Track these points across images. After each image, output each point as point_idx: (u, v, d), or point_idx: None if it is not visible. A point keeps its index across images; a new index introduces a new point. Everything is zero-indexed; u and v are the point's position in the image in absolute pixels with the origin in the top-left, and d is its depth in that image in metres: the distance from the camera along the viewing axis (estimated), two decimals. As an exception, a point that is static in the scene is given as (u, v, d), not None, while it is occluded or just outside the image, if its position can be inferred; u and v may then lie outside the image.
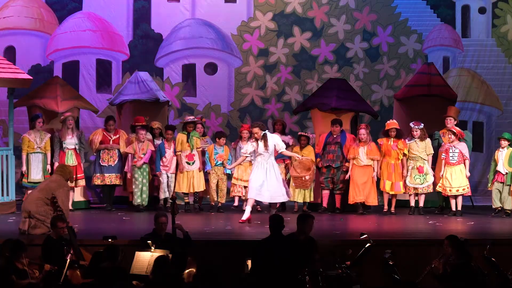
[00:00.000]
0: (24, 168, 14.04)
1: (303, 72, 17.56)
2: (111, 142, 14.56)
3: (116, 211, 14.32)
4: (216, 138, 14.59)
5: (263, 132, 12.89)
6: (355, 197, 14.03)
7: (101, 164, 14.52)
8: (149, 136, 14.77)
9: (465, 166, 13.81)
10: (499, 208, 13.73)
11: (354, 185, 14.01)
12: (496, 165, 13.73)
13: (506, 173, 13.62)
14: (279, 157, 14.28)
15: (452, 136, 13.78)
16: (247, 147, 13.15)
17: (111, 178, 14.51)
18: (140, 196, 14.23)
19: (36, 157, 14.09)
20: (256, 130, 12.93)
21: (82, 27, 17.20)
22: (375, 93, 17.56)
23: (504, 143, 13.75)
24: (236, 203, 14.50)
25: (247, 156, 13.28)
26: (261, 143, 12.86)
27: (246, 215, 12.75)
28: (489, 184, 13.88)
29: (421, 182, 13.90)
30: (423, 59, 17.52)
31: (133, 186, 14.26)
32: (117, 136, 14.62)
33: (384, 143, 14.10)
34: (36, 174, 14.03)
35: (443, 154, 13.87)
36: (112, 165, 14.52)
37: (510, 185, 13.60)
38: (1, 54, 16.09)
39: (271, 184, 12.83)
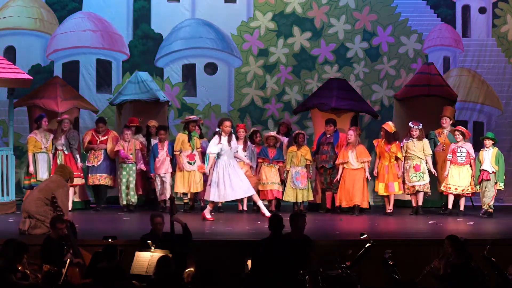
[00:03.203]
0: (31, 168, 14.03)
1: (303, 72, 17.55)
2: (98, 142, 14.56)
3: (115, 211, 14.33)
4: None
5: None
6: (342, 201, 13.99)
7: (87, 164, 14.56)
8: (142, 138, 14.74)
9: (471, 166, 13.83)
10: (489, 210, 13.72)
11: (343, 189, 13.98)
12: (480, 165, 13.74)
13: (493, 172, 13.64)
14: (275, 159, 14.30)
15: (460, 136, 13.80)
16: (212, 147, 13.07)
17: (94, 179, 14.49)
18: (126, 196, 14.24)
19: (42, 157, 14.11)
20: (230, 123, 13.07)
21: (82, 27, 17.20)
22: (375, 93, 17.55)
23: (489, 142, 13.77)
24: (242, 207, 14.44)
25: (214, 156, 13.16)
26: (225, 139, 12.96)
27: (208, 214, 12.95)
28: (478, 186, 13.86)
29: (417, 179, 13.90)
30: (423, 59, 17.51)
31: (118, 187, 14.30)
32: (106, 137, 14.60)
33: (378, 144, 14.11)
34: (43, 173, 14.04)
35: (449, 154, 13.87)
36: (96, 165, 14.51)
37: (496, 183, 13.64)
38: (1, 54, 16.09)
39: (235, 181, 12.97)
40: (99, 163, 14.50)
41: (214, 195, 13.04)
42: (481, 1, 17.78)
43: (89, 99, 15.98)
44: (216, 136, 13.08)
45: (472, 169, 13.83)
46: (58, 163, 14.06)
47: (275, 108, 17.46)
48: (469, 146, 13.88)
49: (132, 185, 14.31)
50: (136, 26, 17.42)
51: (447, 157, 13.92)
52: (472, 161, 13.84)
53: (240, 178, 13.10)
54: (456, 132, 13.87)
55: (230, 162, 13.08)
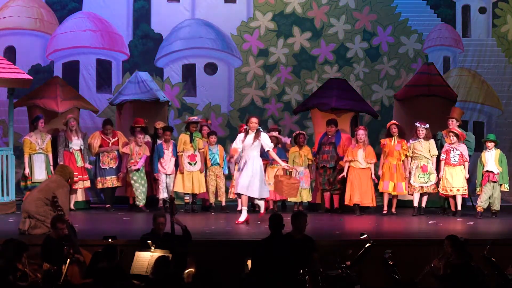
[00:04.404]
0: (27, 171, 14.02)
1: (303, 72, 17.55)
2: (110, 144, 14.56)
3: (116, 211, 14.33)
4: (208, 137, 14.57)
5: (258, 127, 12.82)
6: (351, 198, 14.02)
7: (102, 167, 14.53)
8: (148, 138, 14.75)
9: (464, 167, 13.83)
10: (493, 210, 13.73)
11: (352, 187, 13.99)
12: (483, 167, 13.73)
13: (498, 173, 13.65)
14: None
15: (454, 137, 13.80)
16: (236, 143, 12.79)
17: (113, 181, 14.53)
18: (143, 198, 14.26)
19: (38, 158, 14.09)
20: (256, 120, 12.74)
21: (82, 27, 17.20)
22: (376, 93, 17.56)
23: (491, 144, 13.78)
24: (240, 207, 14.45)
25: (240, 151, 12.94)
26: (250, 136, 12.65)
27: (244, 217, 12.70)
28: (478, 189, 13.84)
29: (425, 181, 13.91)
30: (423, 59, 17.51)
31: (134, 189, 14.27)
32: (116, 138, 14.61)
33: (387, 144, 14.10)
34: (39, 174, 14.03)
35: (443, 154, 13.88)
36: (114, 167, 14.53)
37: (502, 184, 13.66)
38: (1, 54, 16.09)
39: (256, 180, 12.62)
40: (116, 164, 14.50)
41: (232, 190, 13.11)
42: (481, 1, 17.78)
43: (89, 99, 15.98)
44: (243, 134, 12.80)
45: (465, 170, 13.82)
46: (79, 163, 14.08)
47: (275, 108, 17.46)
48: (463, 148, 13.88)
49: (145, 187, 14.31)
50: (136, 26, 17.41)
51: (441, 157, 13.92)
52: (465, 162, 13.83)
53: (250, 175, 12.59)
54: (451, 134, 13.87)
55: (247, 161, 12.65)
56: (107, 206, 14.64)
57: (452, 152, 13.82)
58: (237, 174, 13.14)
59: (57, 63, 17.15)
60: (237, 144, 12.81)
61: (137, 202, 14.32)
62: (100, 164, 14.54)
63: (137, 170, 14.24)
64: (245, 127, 12.94)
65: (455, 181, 13.77)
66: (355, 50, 17.60)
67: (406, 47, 17.67)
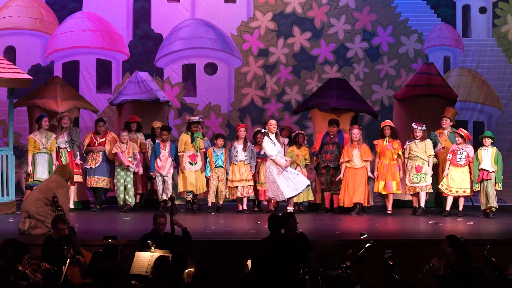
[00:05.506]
0: (30, 168, 14.00)
1: (303, 72, 17.55)
2: (96, 144, 14.52)
3: (115, 211, 14.33)
4: (215, 139, 14.57)
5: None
6: (345, 200, 14.00)
7: (85, 166, 14.53)
8: (142, 137, 14.73)
9: (470, 168, 13.80)
10: (487, 210, 13.70)
11: (346, 188, 13.99)
12: (479, 164, 13.71)
13: (493, 171, 13.63)
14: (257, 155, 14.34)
15: (460, 138, 13.79)
16: (271, 149, 13.57)
17: (92, 181, 14.45)
18: (124, 197, 14.23)
19: (42, 157, 14.04)
20: (275, 121, 13.90)
21: (82, 27, 17.21)
22: (376, 93, 17.56)
23: (488, 141, 13.74)
24: (242, 207, 14.41)
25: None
26: (276, 141, 13.61)
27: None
28: (476, 185, 13.82)
29: (418, 181, 13.89)
30: (423, 59, 17.51)
31: (115, 188, 14.28)
32: (104, 139, 14.55)
33: (379, 144, 14.11)
34: (42, 173, 13.98)
35: (449, 155, 13.86)
36: (93, 167, 14.46)
37: (496, 183, 13.64)
38: (1, 54, 16.10)
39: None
40: (97, 165, 14.45)
41: (276, 194, 13.72)
42: (481, 1, 17.78)
43: (89, 99, 15.97)
44: (266, 138, 13.61)
45: (470, 170, 13.81)
46: (63, 161, 14.06)
47: (275, 108, 17.47)
48: (469, 149, 13.86)
49: (130, 186, 14.29)
50: (136, 26, 17.42)
51: (447, 157, 13.92)
52: (471, 163, 13.82)
53: (294, 176, 13.71)
54: (456, 135, 13.86)
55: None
56: (93, 206, 14.69)
57: (459, 152, 13.80)
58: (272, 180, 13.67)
59: (57, 63, 17.16)
60: (272, 150, 13.57)
61: (118, 203, 14.35)
62: (85, 164, 14.55)
63: (122, 169, 14.21)
64: (264, 130, 13.77)
65: (461, 182, 13.76)
66: (355, 50, 17.60)
67: (406, 47, 17.67)
